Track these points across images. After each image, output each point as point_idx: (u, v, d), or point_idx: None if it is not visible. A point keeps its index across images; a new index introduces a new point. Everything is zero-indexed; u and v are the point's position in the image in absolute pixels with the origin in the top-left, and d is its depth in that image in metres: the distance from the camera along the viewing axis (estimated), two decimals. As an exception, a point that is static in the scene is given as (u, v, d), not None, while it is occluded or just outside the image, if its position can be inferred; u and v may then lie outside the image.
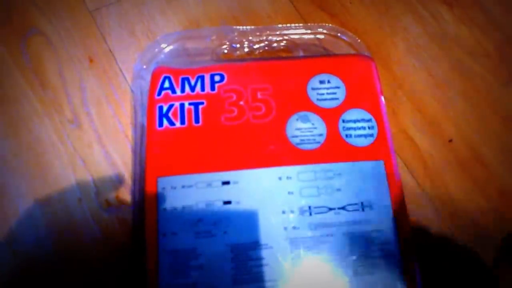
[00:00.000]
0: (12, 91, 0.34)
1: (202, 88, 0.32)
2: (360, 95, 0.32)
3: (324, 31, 0.36)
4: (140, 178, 0.31)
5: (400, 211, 0.29)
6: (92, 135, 0.33)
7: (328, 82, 0.32)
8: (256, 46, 0.35)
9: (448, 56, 0.37)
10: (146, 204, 0.29)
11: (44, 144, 0.33)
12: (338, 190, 0.29)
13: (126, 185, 0.32)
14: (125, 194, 0.32)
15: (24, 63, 0.35)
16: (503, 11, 0.38)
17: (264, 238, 0.28)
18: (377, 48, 0.37)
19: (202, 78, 0.32)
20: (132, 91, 0.34)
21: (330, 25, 0.36)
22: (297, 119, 0.31)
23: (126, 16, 0.37)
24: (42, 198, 0.31)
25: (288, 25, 0.36)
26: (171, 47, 0.35)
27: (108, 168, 0.32)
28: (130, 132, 0.33)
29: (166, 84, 0.32)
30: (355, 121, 0.31)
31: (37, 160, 0.32)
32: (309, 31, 0.36)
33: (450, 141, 0.34)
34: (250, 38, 0.35)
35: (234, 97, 0.32)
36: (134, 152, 0.32)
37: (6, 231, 0.30)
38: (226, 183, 0.29)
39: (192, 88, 0.32)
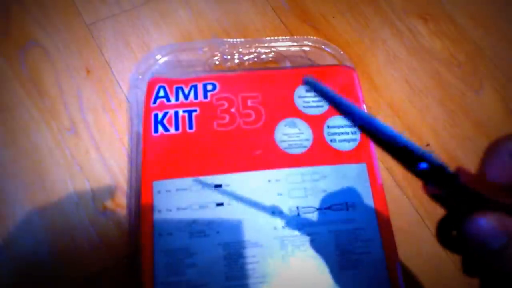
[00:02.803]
0: (11, 100, 0.35)
1: (195, 97, 0.33)
2: (343, 102, 0.34)
3: (309, 44, 0.38)
4: (135, 183, 0.32)
5: (381, 210, 0.31)
6: (89, 142, 0.34)
7: (314, 90, 0.35)
8: (246, 57, 0.37)
9: (424, 66, 0.39)
10: (142, 207, 0.30)
11: (42, 150, 0.34)
12: (324, 191, 0.31)
13: (122, 189, 0.33)
14: (121, 198, 0.33)
15: (23, 74, 0.36)
16: (473, 25, 0.41)
17: (255, 237, 0.29)
18: (358, 59, 0.39)
19: (195, 87, 0.34)
20: (128, 100, 0.36)
21: (315, 38, 0.38)
22: (285, 125, 0.33)
23: (121, 29, 0.39)
24: (40, 203, 0.32)
25: (276, 38, 0.38)
26: (165, 58, 0.37)
27: (104, 173, 0.33)
28: (126, 139, 0.34)
29: (161, 93, 0.33)
30: (339, 127, 0.33)
31: (35, 166, 0.33)
32: (295, 44, 0.38)
33: (427, 145, 0.36)
34: (240, 50, 0.37)
35: (226, 105, 0.33)
36: (130, 158, 0.34)
37: (4, 236, 0.31)
38: (218, 186, 0.31)
39: (186, 97, 0.33)
